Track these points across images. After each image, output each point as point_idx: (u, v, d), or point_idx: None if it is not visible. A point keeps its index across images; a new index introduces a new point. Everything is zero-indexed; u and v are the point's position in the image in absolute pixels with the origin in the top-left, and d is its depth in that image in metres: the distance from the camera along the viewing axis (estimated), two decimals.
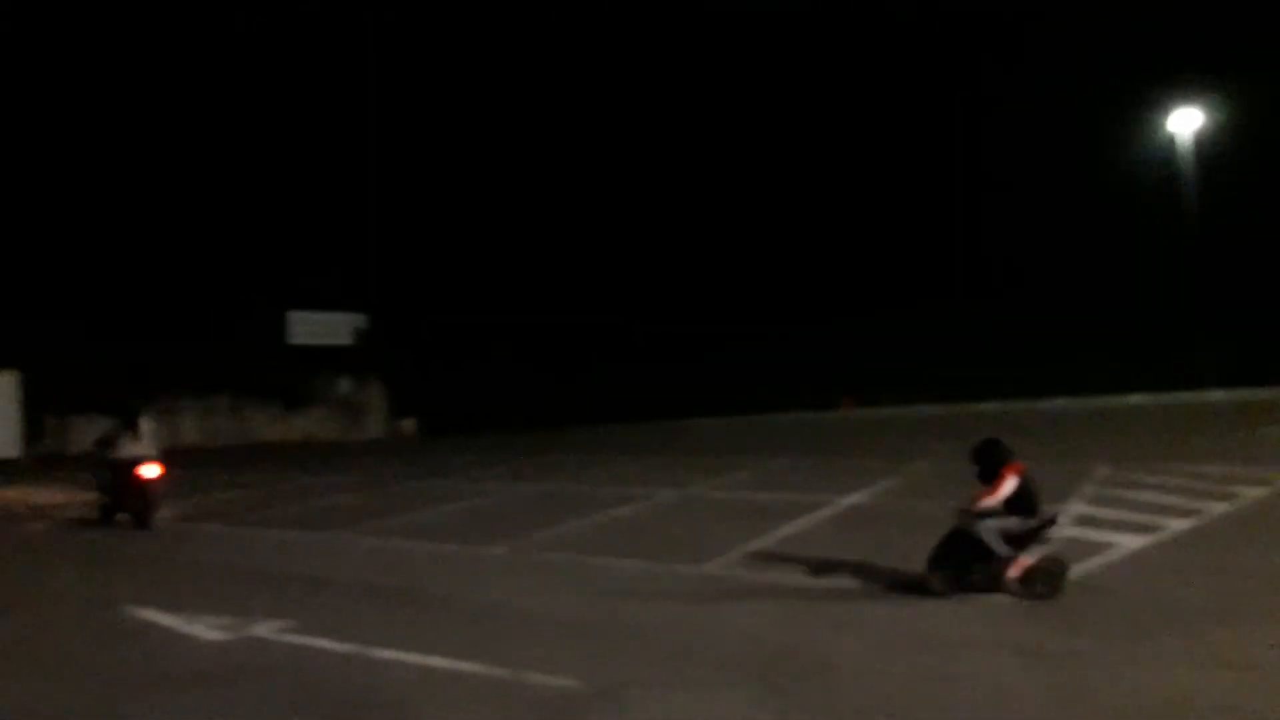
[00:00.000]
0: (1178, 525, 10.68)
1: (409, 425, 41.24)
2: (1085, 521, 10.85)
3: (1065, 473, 14.82)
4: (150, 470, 13.70)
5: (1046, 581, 7.67)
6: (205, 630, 7.86)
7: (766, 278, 46.35)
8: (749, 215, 46.05)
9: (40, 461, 30.11)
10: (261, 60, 36.62)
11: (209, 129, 35.38)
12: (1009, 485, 7.78)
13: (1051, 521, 8.01)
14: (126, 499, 13.76)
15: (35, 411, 31.09)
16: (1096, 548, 9.51)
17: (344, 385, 40.65)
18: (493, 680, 6.20)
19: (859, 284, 44.81)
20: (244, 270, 35.70)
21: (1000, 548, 7.66)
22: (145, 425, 14.12)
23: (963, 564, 7.84)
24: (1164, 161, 37.61)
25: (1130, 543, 9.79)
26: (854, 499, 13.32)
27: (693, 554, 9.96)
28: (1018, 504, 7.79)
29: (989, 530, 7.68)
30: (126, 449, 13.79)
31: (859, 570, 8.90)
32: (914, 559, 8.24)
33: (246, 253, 35.88)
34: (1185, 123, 37.02)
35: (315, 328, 39.38)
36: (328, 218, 38.27)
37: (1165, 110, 37.42)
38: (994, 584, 7.76)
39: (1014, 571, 7.70)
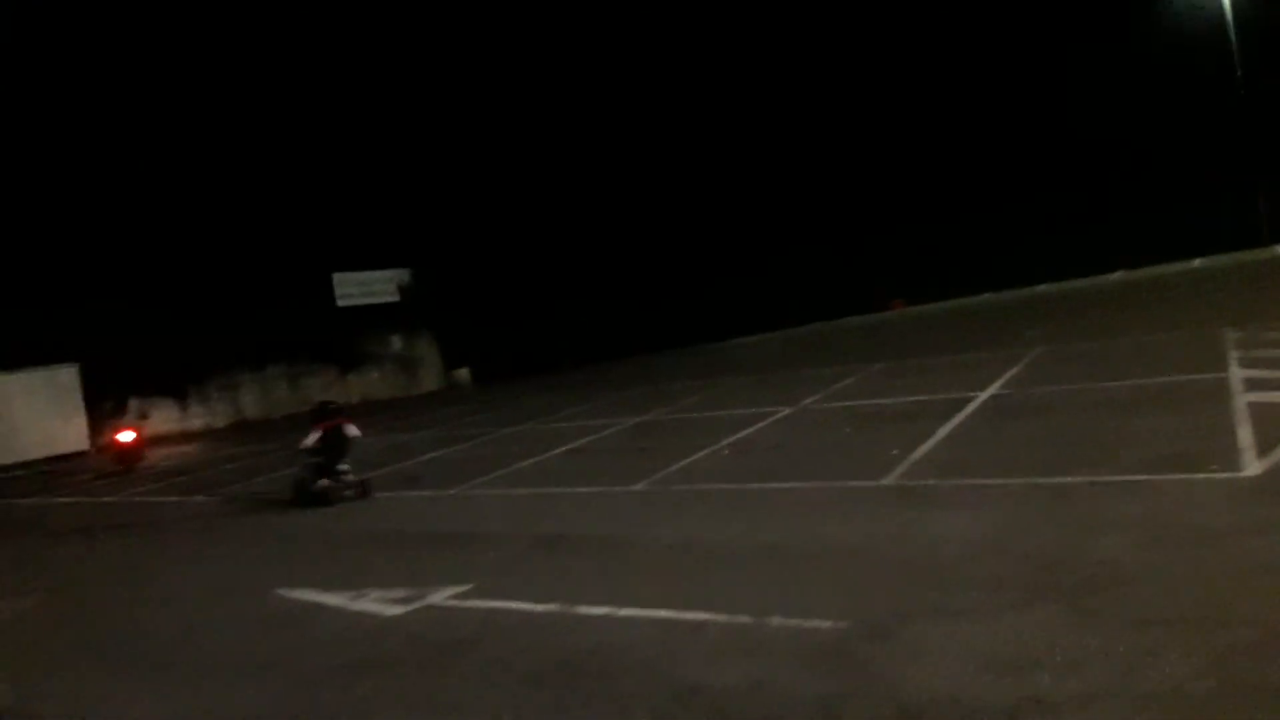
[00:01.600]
0: None
1: (464, 375, 40.76)
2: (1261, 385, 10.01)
3: (1195, 340, 13.97)
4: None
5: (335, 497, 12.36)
6: (375, 605, 7.29)
7: (791, 194, 45.01)
8: (773, 133, 44.62)
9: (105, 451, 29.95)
10: (290, 15, 35.47)
11: (234, 90, 34.41)
12: (313, 436, 12.46)
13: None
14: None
15: (94, 401, 30.84)
16: None
17: (396, 342, 40.13)
18: (738, 628, 5.53)
19: (892, 189, 43.45)
20: (285, 237, 34.97)
21: (310, 475, 12.55)
22: None
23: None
24: (1207, 19, 35.81)
25: None
26: (992, 390, 12.53)
27: (859, 468, 9.26)
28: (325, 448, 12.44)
29: (306, 465, 12.65)
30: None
31: (1049, 464, 8.16)
32: (1093, 448, 7.48)
33: (285, 219, 35.12)
34: None
35: (361, 287, 38.75)
36: (362, 175, 37.34)
37: None
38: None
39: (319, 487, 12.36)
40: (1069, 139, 39.20)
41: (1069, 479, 7.68)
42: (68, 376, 30.07)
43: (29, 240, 29.90)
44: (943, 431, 10.34)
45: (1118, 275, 36.42)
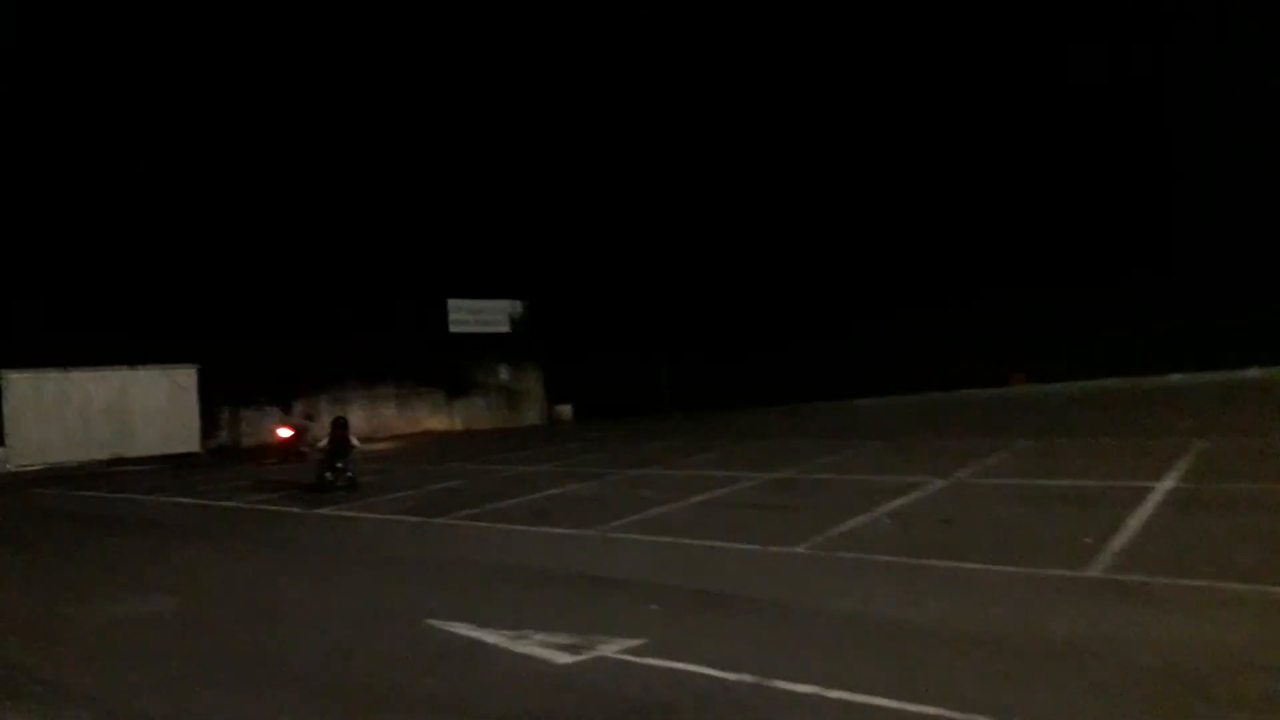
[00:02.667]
0: None
1: (565, 411, 40.57)
2: None
3: None
4: None
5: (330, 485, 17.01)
6: (541, 649, 6.79)
7: (909, 254, 43.93)
8: (899, 193, 43.76)
9: (215, 454, 30.33)
10: (413, 43, 36.22)
11: (365, 119, 35.14)
12: (325, 440, 17.82)
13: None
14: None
15: (208, 406, 31.36)
16: None
17: (503, 372, 40.17)
18: None
19: (1015, 260, 42.07)
20: (405, 260, 35.41)
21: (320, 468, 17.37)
22: None
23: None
24: None
25: None
26: (1170, 483, 11.61)
27: (1052, 555, 8.50)
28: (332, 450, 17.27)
29: (319, 461, 17.69)
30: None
31: (1276, 571, 7.33)
32: None
33: (406, 243, 35.57)
34: None
35: (474, 315, 38.96)
36: (485, 206, 37.71)
37: None
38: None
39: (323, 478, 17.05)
40: (1216, 217, 37.59)
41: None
42: (186, 378, 30.63)
43: (164, 244, 30.71)
44: (1133, 522, 9.51)
45: (1252, 371, 34.62)
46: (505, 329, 40.13)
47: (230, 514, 15.74)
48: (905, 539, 9.71)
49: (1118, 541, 8.72)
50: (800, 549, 9.57)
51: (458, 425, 37.36)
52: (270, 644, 7.64)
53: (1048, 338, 41.06)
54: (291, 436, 25.53)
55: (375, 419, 35.04)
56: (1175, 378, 35.91)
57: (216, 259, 31.45)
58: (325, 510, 15.07)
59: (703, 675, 6.01)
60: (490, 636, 7.19)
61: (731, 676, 5.94)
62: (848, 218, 43.22)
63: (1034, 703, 5.21)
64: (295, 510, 15.42)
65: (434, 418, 37.20)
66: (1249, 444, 14.76)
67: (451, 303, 38.06)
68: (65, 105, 30.09)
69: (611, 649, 6.67)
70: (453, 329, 38.09)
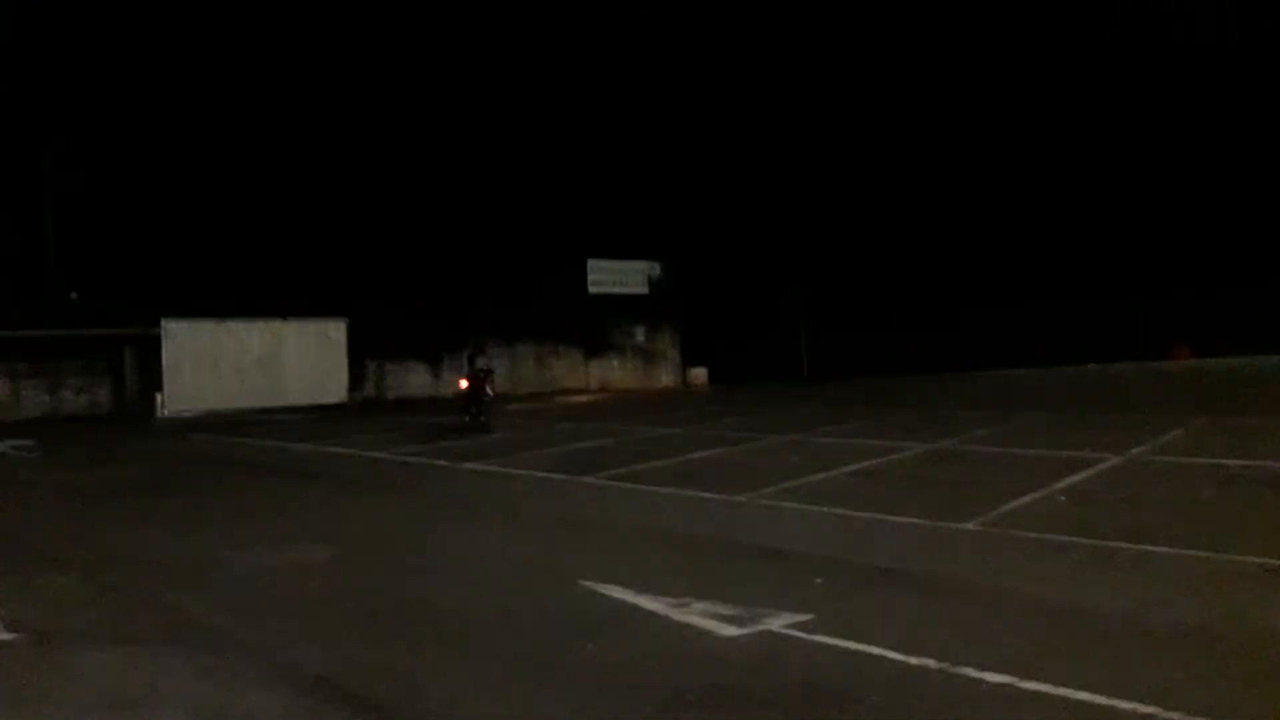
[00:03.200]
0: None
1: (700, 374, 40.18)
2: None
3: None
4: None
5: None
6: (704, 620, 6.47)
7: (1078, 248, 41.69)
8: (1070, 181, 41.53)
9: (361, 407, 31.09)
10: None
11: (509, 76, 35.24)
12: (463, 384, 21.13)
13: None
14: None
15: (355, 358, 32.16)
16: None
17: (639, 333, 40.04)
18: None
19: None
20: (546, 218, 35.49)
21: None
22: None
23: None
24: None
25: None
26: None
27: (1254, 541, 7.75)
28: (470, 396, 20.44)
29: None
30: None
31: None
32: None
33: (548, 200, 35.64)
34: None
35: (613, 275, 38.85)
36: (625, 162, 37.45)
37: None
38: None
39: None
40: None
41: None
42: (336, 330, 31.47)
43: (315, 200, 31.47)
44: None
45: None
46: (643, 290, 39.90)
47: (379, 465, 15.97)
48: (1085, 519, 9.04)
49: None
50: (971, 525, 9.01)
51: (593, 384, 37.44)
52: (423, 599, 7.54)
53: (1214, 312, 38.80)
54: (469, 387, 24.70)
55: (515, 375, 35.38)
56: None
57: (366, 217, 32.09)
58: (473, 464, 15.13)
59: (881, 658, 5.59)
60: (649, 602, 6.91)
61: (913, 660, 5.50)
62: (999, 198, 41.33)
63: (1257, 703, 4.63)
64: (443, 464, 15.54)
65: (570, 376, 37.35)
66: None
67: (591, 263, 38.01)
68: (225, 64, 31.02)
69: (778, 623, 6.30)
70: (592, 289, 38.08)
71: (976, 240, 40.46)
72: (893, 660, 5.55)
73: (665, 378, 40.33)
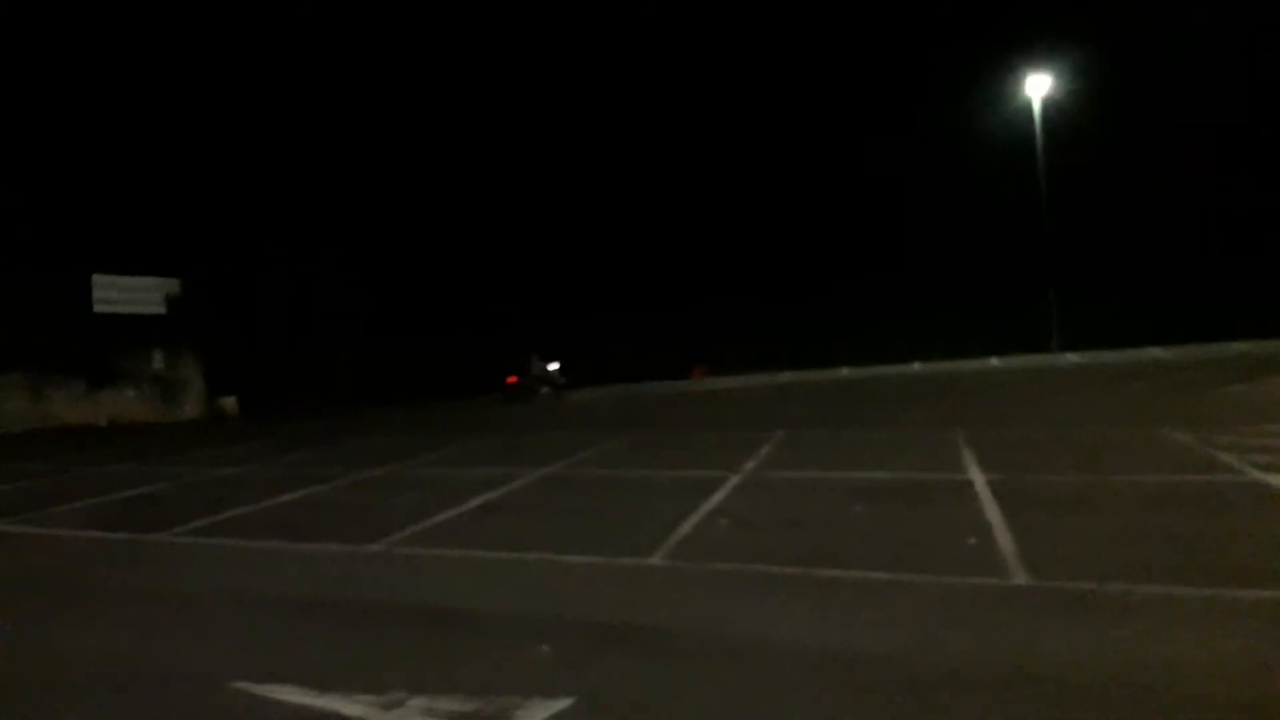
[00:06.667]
0: None
1: (230, 403, 36.40)
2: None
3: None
4: None
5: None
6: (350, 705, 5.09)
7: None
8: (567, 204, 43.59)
9: None
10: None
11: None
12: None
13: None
14: None
15: None
16: None
17: (157, 359, 35.32)
18: None
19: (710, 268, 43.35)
20: (40, 229, 30.15)
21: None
22: None
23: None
24: (1017, 126, 38.12)
25: None
26: (984, 475, 11.51)
27: (941, 557, 7.83)
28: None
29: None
30: None
31: (1174, 571, 7.04)
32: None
33: (41, 209, 30.30)
34: (1038, 88, 37.64)
35: (124, 294, 33.93)
36: (134, 167, 33.00)
37: (1019, 76, 37.96)
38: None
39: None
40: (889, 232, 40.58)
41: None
42: None
43: None
44: (994, 518, 9.08)
45: (916, 367, 37.49)
46: (160, 310, 35.32)
47: None
48: (761, 543, 8.71)
49: (1005, 543, 8.15)
50: (655, 560, 8.28)
51: (103, 418, 32.40)
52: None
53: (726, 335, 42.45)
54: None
55: (2, 413, 29.58)
56: (844, 371, 38.17)
57: None
58: None
59: None
60: (346, 706, 5.32)
61: None
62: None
63: None
64: None
65: (73, 410, 31.98)
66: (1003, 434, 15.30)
67: (97, 278, 32.91)
68: None
69: (543, 717, 5.06)
70: (98, 309, 32.96)
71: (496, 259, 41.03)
72: None
73: (189, 408, 36.01)
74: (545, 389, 33.50)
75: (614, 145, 43.21)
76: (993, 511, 9.32)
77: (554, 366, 34.15)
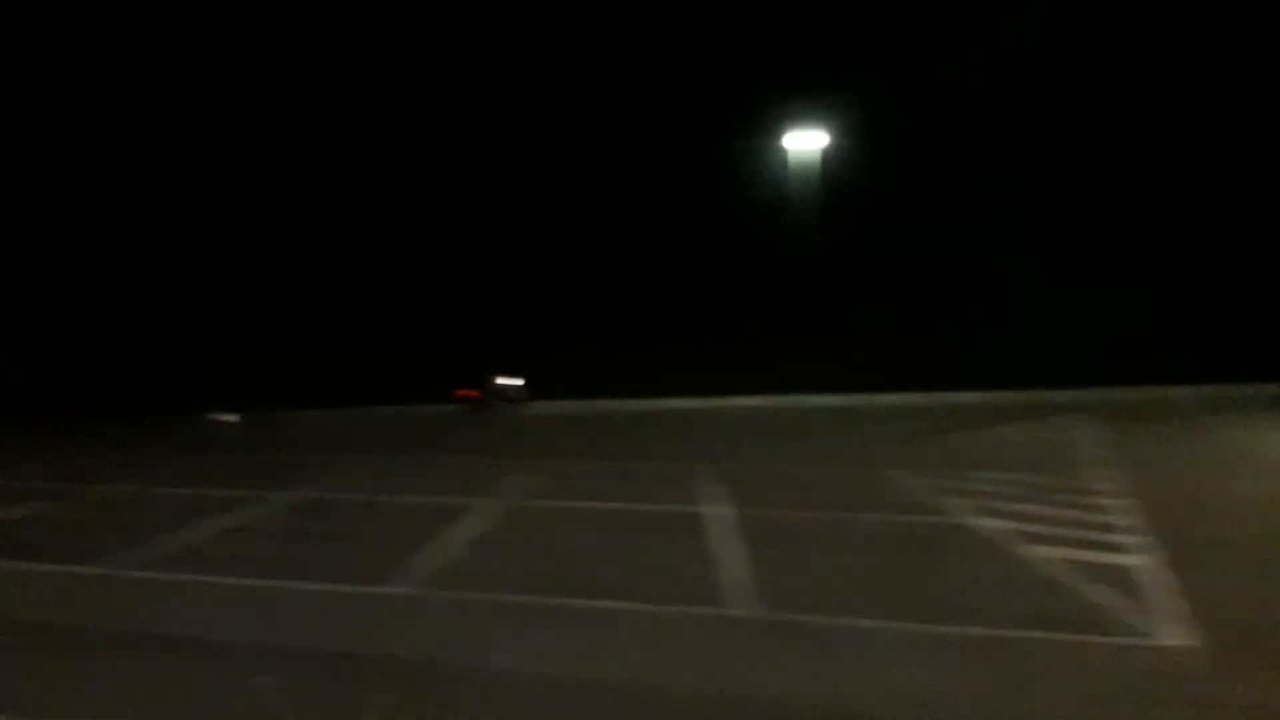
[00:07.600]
0: None
1: None
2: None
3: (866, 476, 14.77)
4: None
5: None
6: None
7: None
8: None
9: None
10: None
11: None
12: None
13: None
14: None
15: None
16: None
17: None
18: None
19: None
20: None
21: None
22: None
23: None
24: (783, 182, 39.96)
25: None
26: (722, 509, 12.16)
27: (686, 590, 8.32)
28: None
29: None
30: None
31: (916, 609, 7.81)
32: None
33: None
34: (805, 142, 39.65)
35: None
36: None
37: (782, 130, 39.87)
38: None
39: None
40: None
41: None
42: None
43: None
44: (727, 551, 9.68)
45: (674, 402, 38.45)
46: None
47: None
48: (518, 571, 8.96)
49: (729, 574, 8.72)
50: (403, 589, 8.37)
51: None
52: None
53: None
54: None
55: None
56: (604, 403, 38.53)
57: None
58: None
59: None
60: None
61: None
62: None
63: None
64: None
65: None
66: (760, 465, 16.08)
67: None
68: None
69: None
70: None
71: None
72: None
73: None
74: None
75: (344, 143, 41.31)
76: (728, 544, 9.94)
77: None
